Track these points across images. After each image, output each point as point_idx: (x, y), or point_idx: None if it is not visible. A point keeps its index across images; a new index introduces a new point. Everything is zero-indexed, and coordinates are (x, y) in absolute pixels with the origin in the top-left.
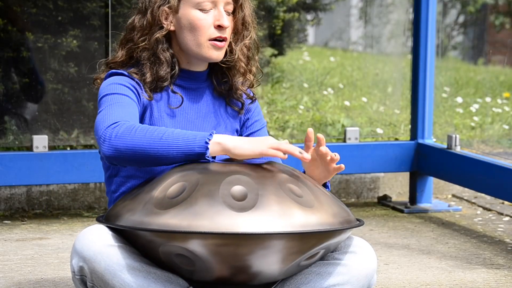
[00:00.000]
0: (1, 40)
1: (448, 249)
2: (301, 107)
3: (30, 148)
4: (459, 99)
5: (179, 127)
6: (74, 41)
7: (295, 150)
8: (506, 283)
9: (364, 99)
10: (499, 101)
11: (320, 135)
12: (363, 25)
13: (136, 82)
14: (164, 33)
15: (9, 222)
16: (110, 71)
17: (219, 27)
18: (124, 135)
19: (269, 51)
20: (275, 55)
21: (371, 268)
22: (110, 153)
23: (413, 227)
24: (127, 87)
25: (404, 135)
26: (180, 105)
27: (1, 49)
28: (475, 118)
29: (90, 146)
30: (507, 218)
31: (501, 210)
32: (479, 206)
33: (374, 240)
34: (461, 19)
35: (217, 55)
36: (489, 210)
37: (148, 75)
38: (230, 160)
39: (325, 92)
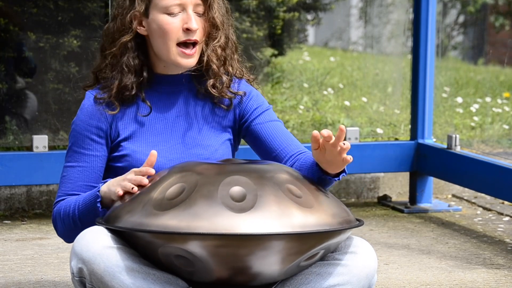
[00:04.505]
0: (2, 40)
1: (448, 249)
2: (301, 107)
3: (30, 148)
4: (459, 99)
5: (152, 132)
6: (75, 41)
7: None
8: (506, 283)
9: (364, 99)
10: (499, 101)
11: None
12: (363, 25)
13: (102, 107)
14: (130, 37)
15: (9, 222)
16: (83, 101)
17: (187, 30)
18: (54, 221)
19: (269, 51)
20: (275, 55)
21: (372, 268)
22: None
23: (413, 227)
24: (86, 136)
25: (404, 135)
26: (149, 114)
27: (2, 49)
28: (475, 118)
29: None
30: (507, 218)
31: (501, 210)
32: (479, 206)
33: (374, 240)
34: (461, 19)
35: (187, 62)
36: (489, 210)
37: (115, 84)
38: (227, 161)
39: (325, 92)
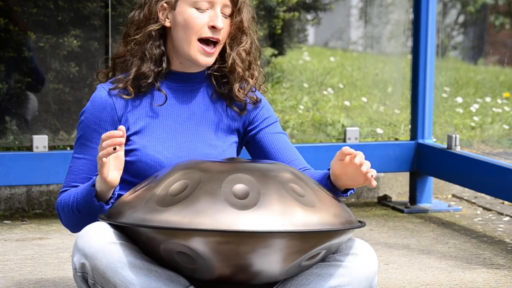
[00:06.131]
0: (2, 40)
1: (448, 249)
2: (301, 107)
3: (30, 148)
4: (459, 99)
5: (162, 127)
6: (75, 41)
7: None
8: (506, 283)
9: (364, 99)
10: (499, 101)
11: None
12: (363, 25)
13: (114, 100)
14: (157, 27)
15: (9, 222)
16: (94, 93)
17: (213, 28)
18: (57, 211)
19: (269, 51)
20: (275, 55)
21: (372, 270)
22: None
23: (413, 227)
24: (93, 129)
25: (404, 135)
26: (164, 103)
27: (2, 49)
28: (475, 118)
29: None
30: (507, 218)
31: (501, 210)
32: (479, 206)
33: (374, 240)
34: (461, 19)
35: (205, 60)
36: (489, 210)
37: (133, 70)
38: (231, 160)
39: (325, 92)
